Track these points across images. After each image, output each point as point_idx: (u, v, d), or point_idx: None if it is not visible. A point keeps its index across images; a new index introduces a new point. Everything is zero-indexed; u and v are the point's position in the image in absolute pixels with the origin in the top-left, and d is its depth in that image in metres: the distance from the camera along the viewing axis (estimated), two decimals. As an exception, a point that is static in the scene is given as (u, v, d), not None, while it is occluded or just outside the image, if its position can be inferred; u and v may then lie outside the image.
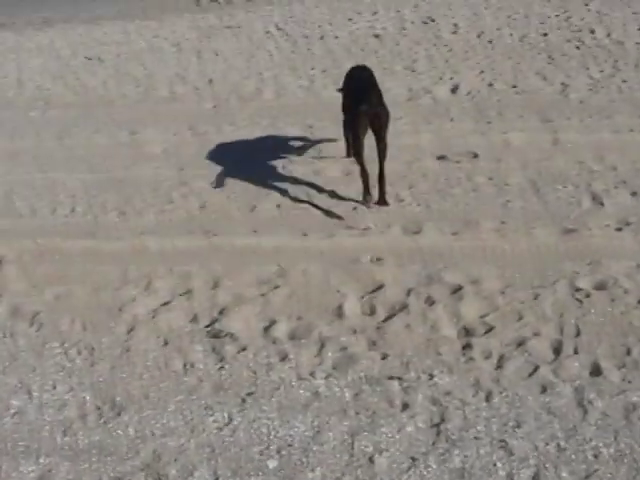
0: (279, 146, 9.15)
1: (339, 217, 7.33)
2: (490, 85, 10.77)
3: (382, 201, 7.60)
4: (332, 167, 8.37)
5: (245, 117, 10.18)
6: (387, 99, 9.07)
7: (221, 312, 5.88)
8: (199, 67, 12.80)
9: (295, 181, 8.14)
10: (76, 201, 8.30)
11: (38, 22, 18.79)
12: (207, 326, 5.76)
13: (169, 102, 11.29)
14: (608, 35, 12.96)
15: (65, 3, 21.26)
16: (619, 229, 6.66)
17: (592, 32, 13.19)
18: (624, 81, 10.73)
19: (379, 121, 7.52)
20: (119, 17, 18.20)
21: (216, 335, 5.63)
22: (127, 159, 9.25)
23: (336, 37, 14.01)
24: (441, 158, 8.42)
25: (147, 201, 8.08)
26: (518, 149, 8.58)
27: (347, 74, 8.42)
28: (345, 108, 8.04)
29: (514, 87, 10.65)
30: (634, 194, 7.38)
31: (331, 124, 9.53)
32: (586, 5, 15.39)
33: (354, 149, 7.69)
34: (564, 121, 9.31)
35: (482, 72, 11.40)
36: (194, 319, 5.85)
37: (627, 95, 10.20)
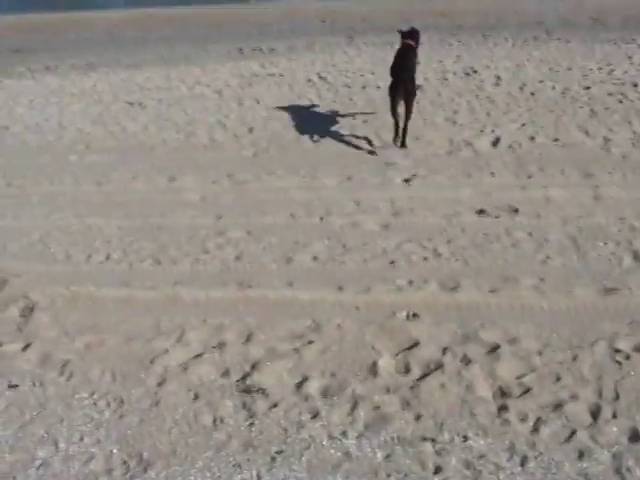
0: (317, 196, 9.06)
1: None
2: (532, 138, 10.67)
3: (402, 144, 10.83)
4: (370, 220, 8.27)
5: (284, 166, 10.12)
6: (428, 152, 9.22)
7: (253, 367, 5.78)
8: (240, 114, 12.84)
9: (332, 233, 8.05)
10: (111, 247, 8.25)
11: (82, 66, 19.07)
12: (238, 380, 5.65)
13: (209, 149, 11.29)
14: (651, 89, 12.82)
15: (109, 48, 21.57)
16: (661, 289, 6.49)
17: (635, 85, 13.13)
18: (669, 136, 10.58)
19: (407, 99, 10.67)
20: (162, 63, 18.43)
21: (247, 390, 5.52)
22: (165, 206, 9.22)
23: (378, 87, 14.02)
24: (481, 213, 8.30)
25: (183, 250, 8.01)
26: (559, 204, 8.45)
27: (396, 53, 11.43)
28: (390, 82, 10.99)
29: (556, 140, 10.55)
30: (677, 253, 7.21)
31: (370, 176, 9.47)
32: (629, 58, 15.34)
33: (391, 110, 10.83)
34: (606, 176, 9.18)
35: (524, 125, 11.32)
36: (225, 373, 5.75)
37: (671, 151, 10.06)
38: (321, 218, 8.43)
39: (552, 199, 8.61)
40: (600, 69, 14.98)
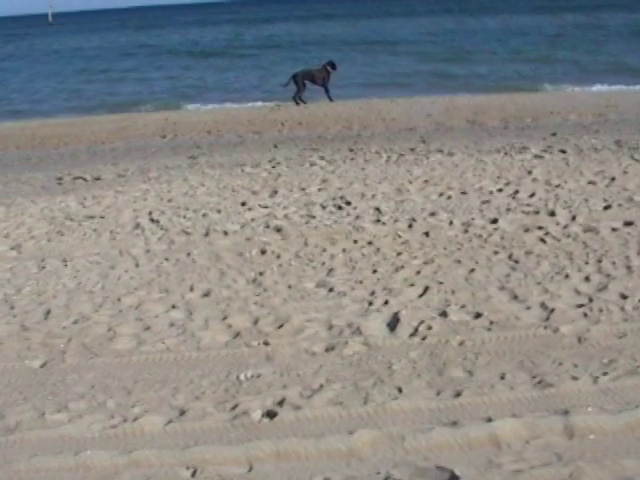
0: (129, 459, 5.51)
1: None
2: (443, 314, 7.48)
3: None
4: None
5: (84, 390, 6.61)
6: (298, 349, 7.02)
7: None
8: (36, 286, 9.22)
9: None
10: None
11: None
12: None
13: (-20, 353, 7.58)
14: (574, 219, 9.94)
15: None
16: None
17: (552, 214, 10.19)
18: (624, 296, 7.56)
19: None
20: (-40, 202, 14.55)
21: None
22: None
23: (225, 233, 10.67)
24: (399, 488, 4.90)
25: None
26: (516, 451, 5.27)
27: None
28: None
29: (478, 316, 7.41)
30: None
31: (214, 408, 6.11)
32: (529, 173, 12.49)
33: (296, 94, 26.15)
34: (569, 384, 6.10)
35: (426, 289, 8.13)
36: None
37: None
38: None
39: (505, 442, 5.34)
40: (500, 190, 12.05)
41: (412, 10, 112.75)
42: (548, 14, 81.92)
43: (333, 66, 27.03)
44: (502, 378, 6.27)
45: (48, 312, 8.42)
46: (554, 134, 17.77)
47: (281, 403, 6.11)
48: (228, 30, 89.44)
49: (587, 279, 8.24)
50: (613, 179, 12.44)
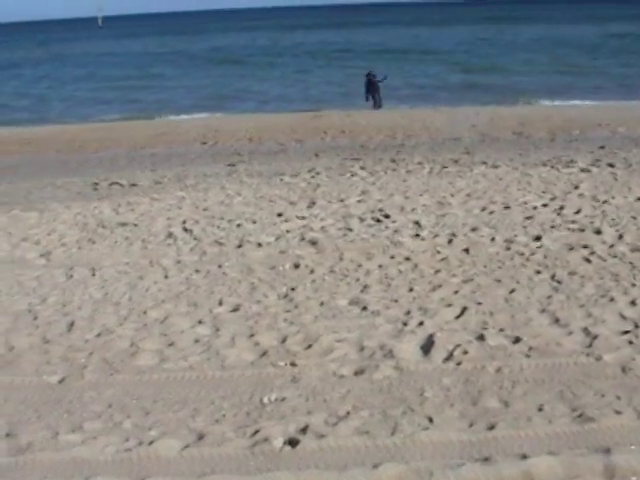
0: None
1: None
2: (480, 337, 7.08)
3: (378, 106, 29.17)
4: None
5: (101, 409, 6.40)
6: (326, 371, 6.62)
7: None
8: (62, 296, 8.97)
9: None
10: None
11: None
12: None
13: (-2, 368, 7.33)
14: (620, 237, 9.53)
15: None
16: None
17: (598, 232, 9.74)
18: (673, 323, 7.15)
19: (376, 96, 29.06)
20: (-5, 204, 14.37)
21: None
22: None
23: (259, 244, 10.35)
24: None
25: None
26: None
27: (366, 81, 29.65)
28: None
29: (517, 341, 7.02)
30: None
31: (235, 433, 5.80)
32: (576, 188, 12.01)
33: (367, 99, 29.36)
34: (612, 419, 5.72)
35: (464, 310, 7.76)
36: None
37: (692, 355, 6.61)
38: None
39: (539, 481, 4.93)
40: (545, 206, 11.63)
41: (457, 18, 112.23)
42: (591, 24, 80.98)
43: (373, 75, 29.17)
44: (540, 410, 5.89)
45: (72, 324, 8.17)
46: (602, 147, 17.31)
47: (304, 430, 5.79)
48: (266, 36, 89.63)
49: (633, 303, 7.84)
50: (663, 196, 11.99)
